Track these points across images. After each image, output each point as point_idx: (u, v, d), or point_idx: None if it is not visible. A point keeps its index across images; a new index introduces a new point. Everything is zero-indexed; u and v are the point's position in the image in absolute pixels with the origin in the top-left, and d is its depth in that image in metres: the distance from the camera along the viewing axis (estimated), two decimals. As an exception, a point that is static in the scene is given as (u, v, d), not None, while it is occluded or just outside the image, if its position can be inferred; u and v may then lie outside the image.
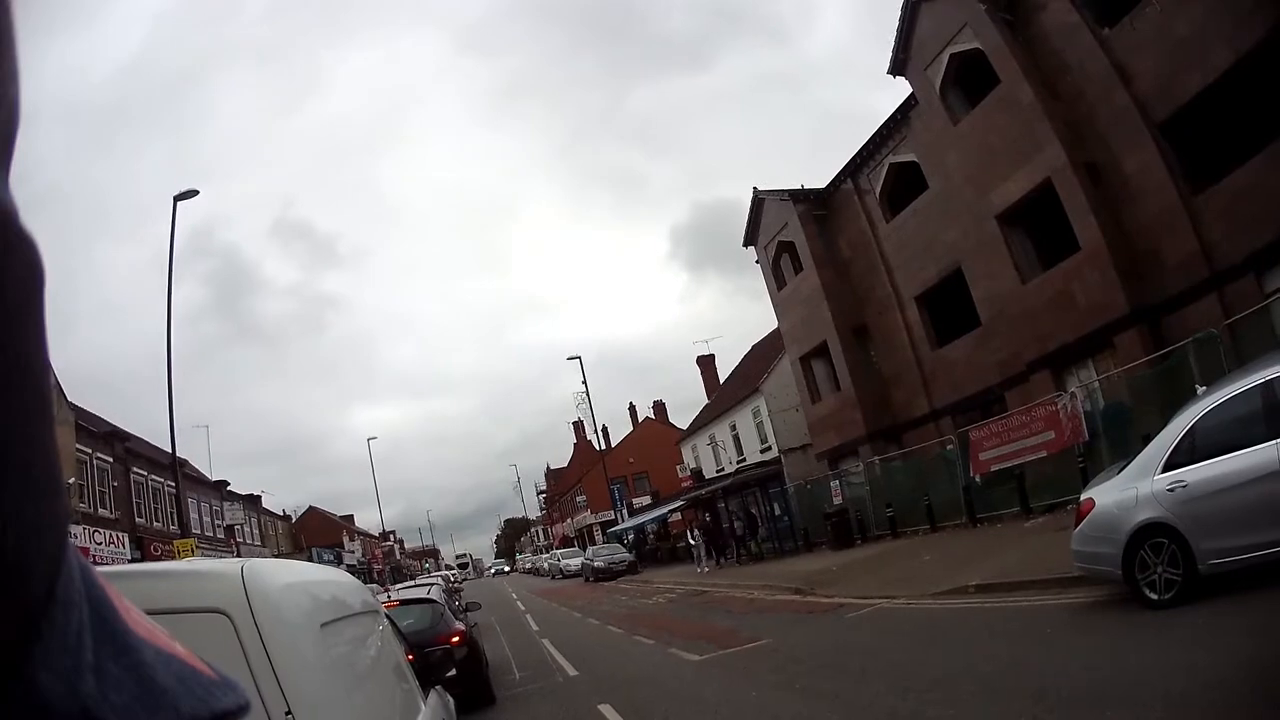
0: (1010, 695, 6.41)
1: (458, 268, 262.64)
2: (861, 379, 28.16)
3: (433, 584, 16.23)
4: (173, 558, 22.81)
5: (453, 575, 60.23)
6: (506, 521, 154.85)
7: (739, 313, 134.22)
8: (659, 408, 74.31)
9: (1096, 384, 17.40)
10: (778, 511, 30.53)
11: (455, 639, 10.58)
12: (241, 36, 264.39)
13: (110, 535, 30.79)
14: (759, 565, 26.63)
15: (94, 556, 26.35)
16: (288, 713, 2.79)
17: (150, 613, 1.29)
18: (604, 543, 51.74)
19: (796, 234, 30.09)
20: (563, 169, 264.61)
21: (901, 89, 24.05)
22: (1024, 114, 19.18)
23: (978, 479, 20.07)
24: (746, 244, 34.17)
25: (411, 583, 23.93)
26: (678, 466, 55.33)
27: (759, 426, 39.44)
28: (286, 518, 70.63)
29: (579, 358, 53.10)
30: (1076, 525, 8.67)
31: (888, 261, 26.41)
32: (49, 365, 0.52)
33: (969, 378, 22.96)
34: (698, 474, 46.90)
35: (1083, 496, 8.78)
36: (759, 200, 32.46)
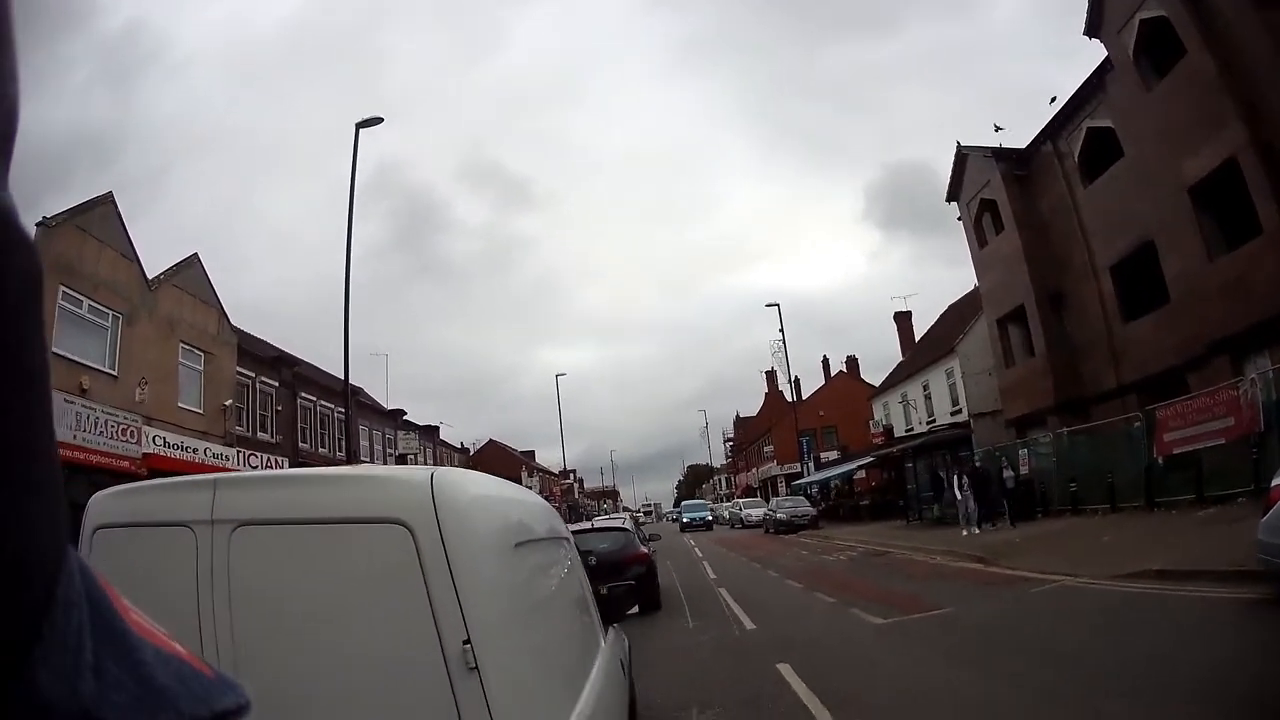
0: (1193, 693, 6.36)
1: (648, 216, 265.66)
2: (1055, 347, 28.71)
3: (623, 518, 22.85)
4: None
5: (639, 516, 62.88)
6: (689, 467, 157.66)
7: (930, 275, 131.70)
8: (851, 363, 75.64)
9: (1271, 373, 17.55)
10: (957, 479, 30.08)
11: (643, 557, 15.65)
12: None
13: (268, 459, 31.67)
14: (939, 530, 27.01)
15: None
16: (465, 641, 2.70)
17: (319, 521, 2.74)
18: (787, 495, 52.86)
19: (999, 192, 30.84)
20: (754, 125, 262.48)
21: (1080, 61, 24.34)
22: (1208, 87, 19.53)
23: (1160, 460, 20.48)
24: (949, 199, 35.12)
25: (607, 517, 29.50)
26: (869, 422, 56.15)
27: (951, 388, 40.35)
28: (465, 450, 72.32)
29: (777, 305, 54.67)
30: (1264, 514, 8.34)
31: (1085, 228, 26.79)
32: (49, 365, 0.54)
33: (1155, 356, 23.23)
34: (889, 431, 47.37)
35: (1275, 482, 8.35)
36: (962, 155, 33.33)
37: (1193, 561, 11.98)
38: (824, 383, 74.88)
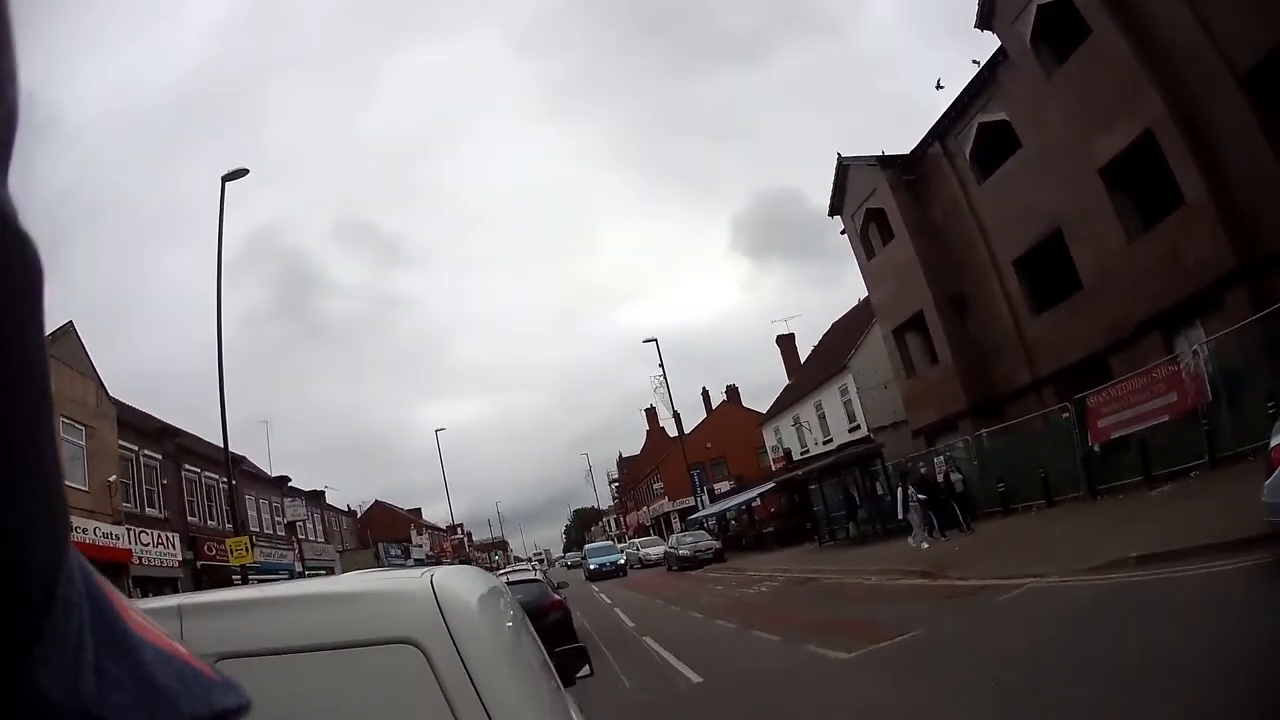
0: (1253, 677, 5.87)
1: (521, 263, 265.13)
2: (960, 350, 28.55)
3: (531, 569, 21.60)
4: (226, 555, 23.72)
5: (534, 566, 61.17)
6: (575, 512, 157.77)
7: (806, 298, 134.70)
8: (732, 392, 75.84)
9: (1211, 343, 17.61)
10: (880, 491, 29.97)
11: (558, 604, 15.34)
12: (299, 46, 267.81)
13: (159, 535, 30.85)
14: (861, 548, 26.66)
15: (139, 559, 27.80)
16: None
17: (311, 649, 2.04)
18: (685, 530, 52.04)
19: (886, 200, 30.65)
20: (627, 163, 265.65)
21: (956, 63, 24.20)
22: (1119, 65, 19.63)
23: (1096, 448, 20.21)
24: (832, 213, 34.80)
25: (511, 567, 28.51)
26: (760, 450, 56.54)
27: (847, 405, 40.22)
28: (352, 513, 72.38)
29: (655, 340, 54.61)
30: (1268, 476, 8.18)
31: (983, 226, 26.78)
32: (48, 366, 0.55)
33: (1072, 345, 23.24)
34: (788, 455, 47.03)
35: (1275, 442, 8.32)
36: (844, 167, 33.08)
37: (1174, 540, 11.35)
38: (706, 415, 74.54)
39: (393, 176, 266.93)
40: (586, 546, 62.82)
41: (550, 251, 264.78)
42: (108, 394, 28.80)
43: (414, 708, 2.46)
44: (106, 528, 26.33)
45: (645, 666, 13.14)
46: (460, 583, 2.84)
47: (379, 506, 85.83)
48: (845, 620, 13.68)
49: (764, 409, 57.99)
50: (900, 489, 22.57)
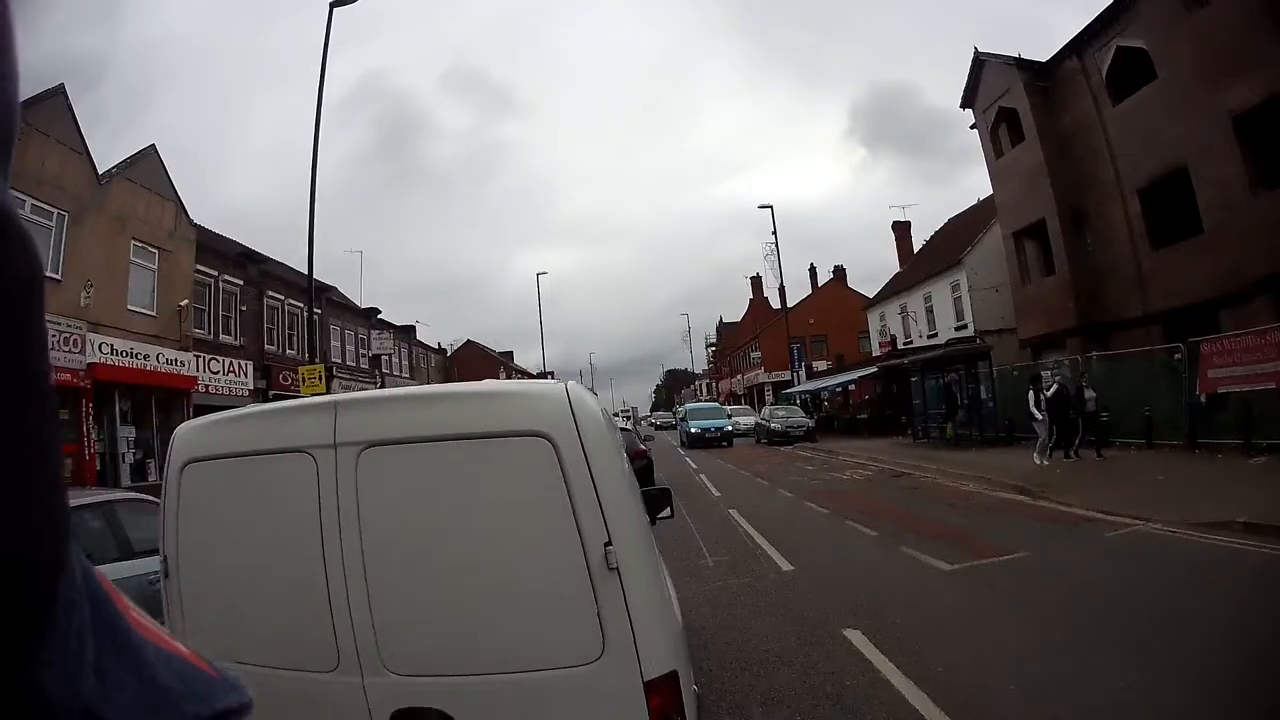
0: None
1: (634, 123, 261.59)
2: (1077, 266, 28.78)
3: (621, 419, 22.68)
4: (298, 384, 24.04)
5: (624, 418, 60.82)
6: (668, 372, 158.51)
7: (915, 194, 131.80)
8: (839, 273, 75.45)
9: None
10: (983, 395, 29.44)
11: (642, 453, 17.00)
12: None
13: (231, 363, 30.39)
14: (956, 452, 26.34)
15: (205, 386, 27.83)
16: (607, 544, 3.04)
17: (454, 438, 3.10)
18: (778, 404, 52.56)
19: (1019, 101, 30.57)
20: (740, 37, 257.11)
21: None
22: (1254, 20, 19.39)
23: (1203, 398, 19.75)
24: (964, 106, 34.79)
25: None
26: (859, 334, 57.76)
27: (956, 301, 40.43)
28: (442, 350, 72.17)
29: (770, 206, 54.32)
30: None
31: (1112, 148, 26.55)
32: (49, 365, 0.55)
33: (1185, 287, 23.15)
34: (894, 341, 46.99)
35: None
36: (979, 61, 33.01)
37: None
38: (811, 292, 74.82)
39: (510, 29, 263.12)
40: (687, 406, 53.18)
41: (660, 115, 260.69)
42: (188, 217, 28.17)
43: (540, 492, 3.13)
44: (172, 354, 26.23)
45: (730, 544, 12.95)
46: (587, 395, 3.45)
47: (470, 346, 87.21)
48: (944, 526, 13.24)
49: (870, 294, 58.10)
50: (1033, 394, 20.65)
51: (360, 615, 3.21)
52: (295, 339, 35.55)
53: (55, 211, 21.39)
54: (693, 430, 43.77)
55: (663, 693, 3.14)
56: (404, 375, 52.96)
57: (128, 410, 24.29)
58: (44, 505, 0.53)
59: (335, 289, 43.49)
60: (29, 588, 0.51)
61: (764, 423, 44.57)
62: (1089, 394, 21.78)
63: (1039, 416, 20.44)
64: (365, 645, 3.21)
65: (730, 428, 44.45)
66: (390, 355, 49.34)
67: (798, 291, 76.38)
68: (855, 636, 7.50)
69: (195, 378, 27.30)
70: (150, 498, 7.57)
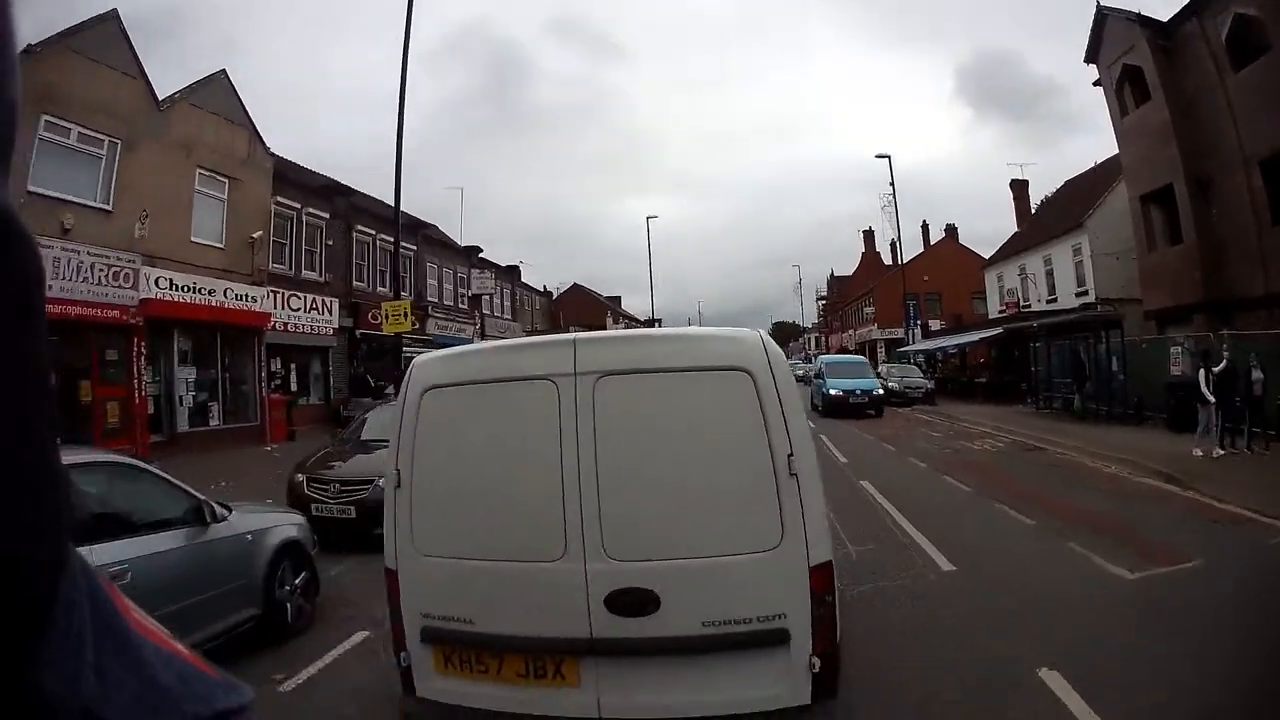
0: None
1: (739, 76, 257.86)
2: (1205, 236, 27.78)
3: None
4: (380, 321, 23.07)
5: None
6: (775, 325, 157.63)
7: (1023, 156, 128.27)
8: (952, 231, 73.84)
9: None
10: (1114, 367, 28.10)
11: None
12: None
13: (314, 299, 29.18)
14: (1085, 426, 25.62)
15: (284, 324, 27.00)
16: (789, 454, 4.06)
17: (674, 370, 4.27)
18: (889, 361, 51.66)
19: (1144, 59, 29.56)
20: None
21: None
22: None
23: None
24: (1088, 61, 33.77)
25: None
26: (973, 294, 57.13)
27: (1078, 265, 39.30)
28: (547, 293, 73.32)
29: (888, 156, 53.60)
30: None
31: (1235, 114, 25.52)
32: (49, 364, 0.56)
33: None
34: (1018, 303, 45.42)
35: None
36: (1102, 15, 31.94)
37: None
38: (924, 249, 73.00)
39: None
40: (823, 359, 42.02)
41: (769, 66, 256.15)
42: (264, 144, 26.79)
43: (739, 413, 4.11)
44: (242, 289, 24.83)
45: (873, 529, 11.75)
46: (772, 341, 4.45)
47: (576, 290, 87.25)
48: (1101, 517, 12.16)
49: (984, 254, 56.92)
50: (1203, 372, 18.29)
51: (589, 511, 4.11)
52: (387, 276, 34.19)
53: (106, 139, 20.42)
54: (831, 393, 33.12)
55: (822, 576, 4.07)
56: (506, 317, 53.02)
57: (188, 350, 23.41)
58: (44, 504, 0.54)
59: (434, 226, 42.83)
60: (29, 587, 0.53)
61: (881, 381, 41.86)
62: (1256, 375, 19.30)
63: (1210, 399, 18.06)
64: (591, 536, 4.10)
65: (881, 391, 34.12)
66: (491, 295, 49.34)
67: (910, 250, 75.08)
68: (1054, 681, 6.09)
69: (269, 315, 26.14)
70: (135, 461, 7.21)
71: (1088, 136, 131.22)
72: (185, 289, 22.67)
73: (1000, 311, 48.10)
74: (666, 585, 4.07)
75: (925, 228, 77.10)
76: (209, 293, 23.57)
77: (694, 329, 5.27)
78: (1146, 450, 18.81)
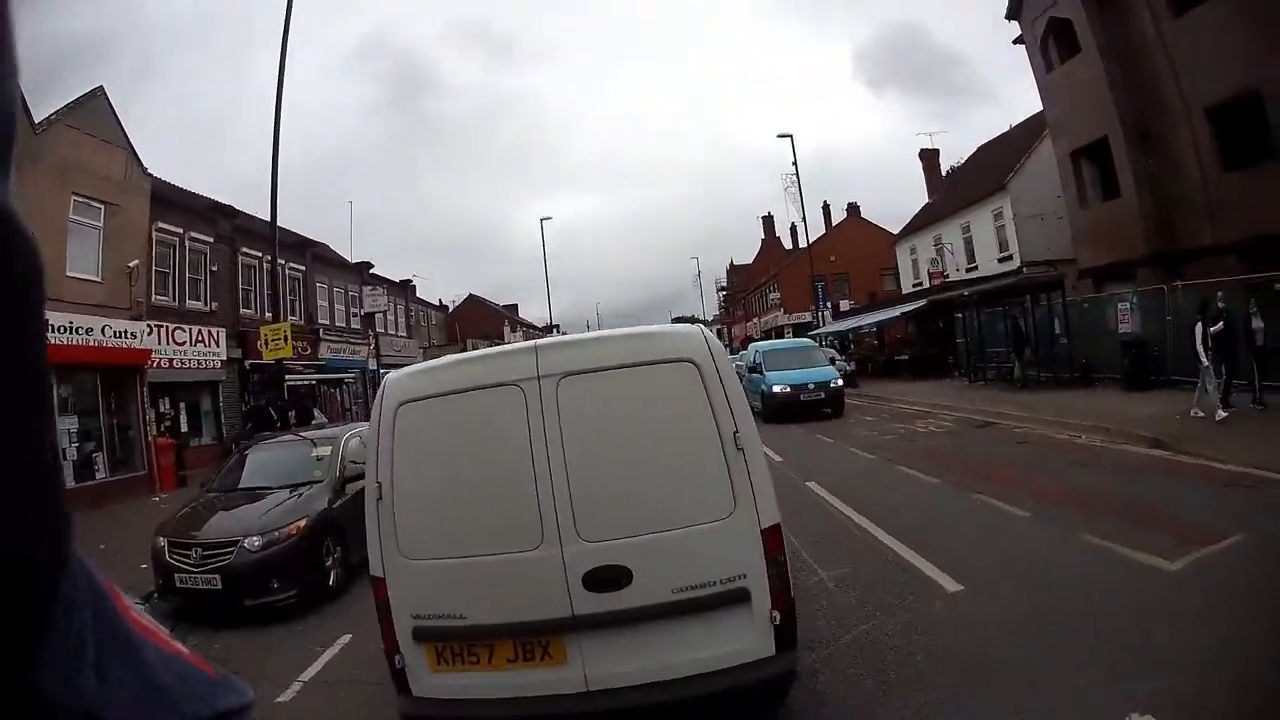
0: None
1: (635, 65, 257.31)
2: (1145, 189, 26.90)
3: None
4: (261, 345, 21.92)
5: None
6: (674, 319, 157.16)
7: (922, 136, 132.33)
8: (853, 209, 73.05)
9: None
10: (1057, 330, 27.14)
11: None
12: None
13: (200, 331, 26.92)
14: (1030, 394, 24.48)
15: (169, 360, 24.82)
16: (735, 431, 4.56)
17: (628, 366, 4.69)
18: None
19: (1074, 10, 28.52)
20: None
21: None
22: None
23: None
24: (1009, 17, 32.91)
25: None
26: (882, 271, 57.18)
27: (1000, 230, 38.57)
28: (443, 307, 73.10)
29: (790, 135, 52.16)
30: None
31: (1174, 63, 24.66)
32: (48, 365, 0.56)
33: (1264, 215, 21.28)
34: (943, 273, 44.24)
35: None
36: (1026, -32, 31.15)
37: None
38: (826, 230, 72.14)
39: None
40: (756, 347, 32.31)
41: (663, 54, 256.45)
42: (141, 166, 24.58)
43: (687, 399, 4.59)
44: (120, 324, 22.52)
45: (840, 542, 9.83)
46: (712, 335, 5.08)
47: (472, 302, 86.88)
48: (1103, 497, 10.65)
49: (892, 230, 56.71)
50: (1200, 325, 16.45)
51: (561, 500, 4.53)
52: (280, 299, 31.80)
53: None
54: (775, 389, 25.60)
55: (773, 537, 4.57)
56: (401, 334, 50.90)
57: (67, 396, 21.03)
58: (44, 505, 0.53)
59: (323, 244, 40.71)
60: (29, 588, 0.52)
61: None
62: (1257, 324, 17.50)
63: (1205, 361, 16.24)
64: (564, 522, 4.52)
65: (840, 381, 26.72)
66: (385, 313, 46.99)
67: (814, 232, 74.23)
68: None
69: (149, 351, 23.79)
70: None
71: (989, 108, 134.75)
72: (61, 329, 20.12)
73: (915, 285, 47.74)
74: (636, 559, 4.50)
75: (826, 208, 76.52)
76: (85, 331, 21.14)
77: (642, 328, 5.47)
78: (1114, 413, 17.72)
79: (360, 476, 9.79)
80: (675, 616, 4.47)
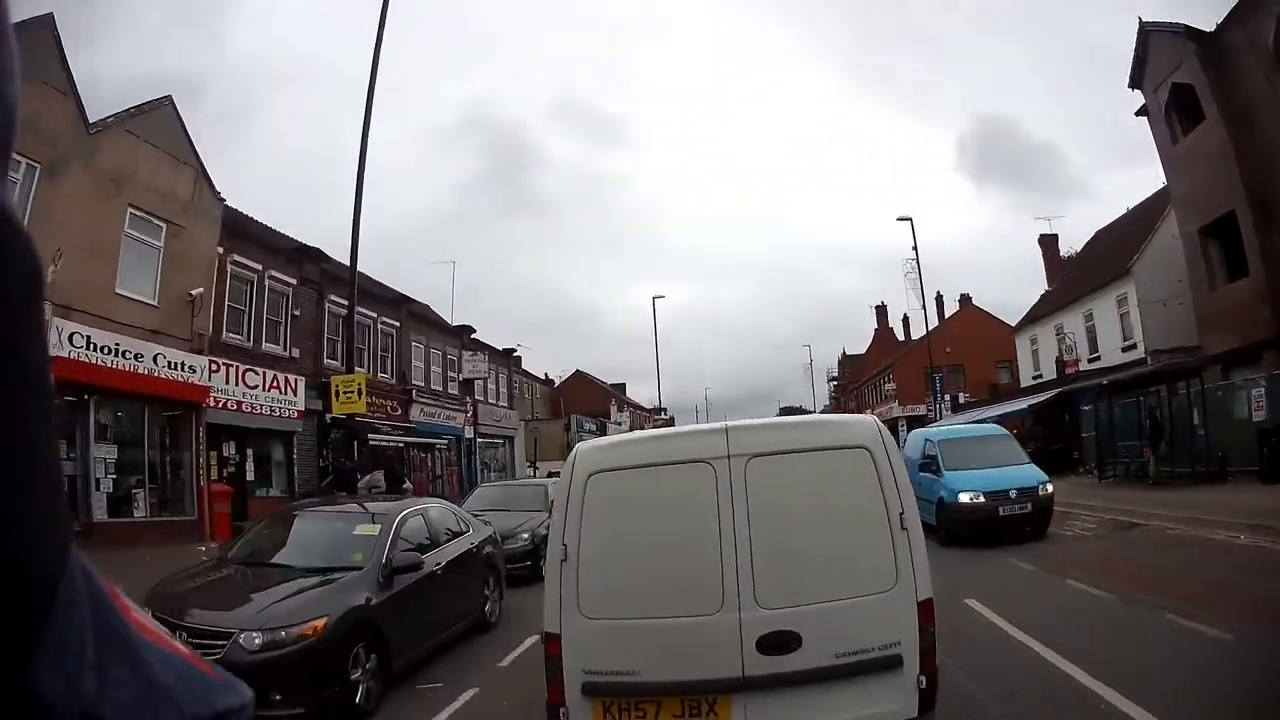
0: None
1: (732, 158, 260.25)
2: (1272, 265, 25.03)
3: None
4: (334, 395, 20.87)
5: None
6: (783, 409, 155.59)
7: (1023, 229, 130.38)
8: (966, 301, 71.63)
9: None
10: (1195, 420, 24.86)
11: None
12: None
13: (273, 377, 25.51)
14: (1167, 492, 22.06)
15: (236, 403, 23.63)
16: (901, 513, 4.83)
17: (806, 450, 5.30)
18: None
19: (1195, 76, 27.20)
20: (845, 66, 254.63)
21: None
22: None
23: None
24: (1132, 86, 31.56)
25: None
26: (997, 363, 56.49)
27: (1124, 318, 36.53)
28: (548, 381, 72.90)
29: (909, 218, 50.73)
30: None
31: None
32: (49, 366, 0.56)
33: None
34: (1060, 364, 42.00)
35: None
36: (1145, 32, 29.78)
37: None
38: (940, 322, 69.64)
39: (612, 59, 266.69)
40: (929, 435, 21.50)
41: (776, 147, 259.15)
42: (213, 188, 23.23)
43: (861, 482, 4.93)
44: (177, 355, 21.03)
45: (1019, 679, 7.97)
46: (882, 424, 5.42)
47: (578, 377, 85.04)
48: None
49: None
50: None
51: (744, 569, 4.79)
52: (366, 354, 31.46)
53: (24, 162, 16.92)
54: (962, 499, 17.39)
55: (926, 610, 4.86)
56: (502, 404, 49.61)
57: (108, 424, 19.67)
58: (45, 505, 0.54)
59: (421, 303, 39.88)
60: (29, 588, 0.52)
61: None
62: None
63: None
64: (745, 590, 4.77)
65: (1049, 486, 17.82)
66: (485, 380, 45.29)
67: (923, 325, 72.77)
68: None
69: (207, 388, 22.33)
70: None
71: (1089, 200, 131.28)
72: (105, 350, 19.01)
73: (1035, 377, 46.10)
74: (806, 625, 4.75)
75: (940, 300, 74.60)
76: (135, 356, 19.85)
77: (821, 416, 6.52)
78: (1268, 510, 15.63)
79: (413, 567, 9.46)
80: (835, 679, 4.76)
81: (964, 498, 17.11)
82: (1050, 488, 17.64)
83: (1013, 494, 16.97)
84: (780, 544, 4.84)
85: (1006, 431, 22.35)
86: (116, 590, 0.62)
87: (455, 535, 11.61)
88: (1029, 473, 17.91)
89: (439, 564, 10.37)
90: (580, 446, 5.43)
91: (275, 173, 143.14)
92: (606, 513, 5.02)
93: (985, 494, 16.98)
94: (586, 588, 4.92)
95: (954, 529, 17.17)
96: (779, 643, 4.68)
